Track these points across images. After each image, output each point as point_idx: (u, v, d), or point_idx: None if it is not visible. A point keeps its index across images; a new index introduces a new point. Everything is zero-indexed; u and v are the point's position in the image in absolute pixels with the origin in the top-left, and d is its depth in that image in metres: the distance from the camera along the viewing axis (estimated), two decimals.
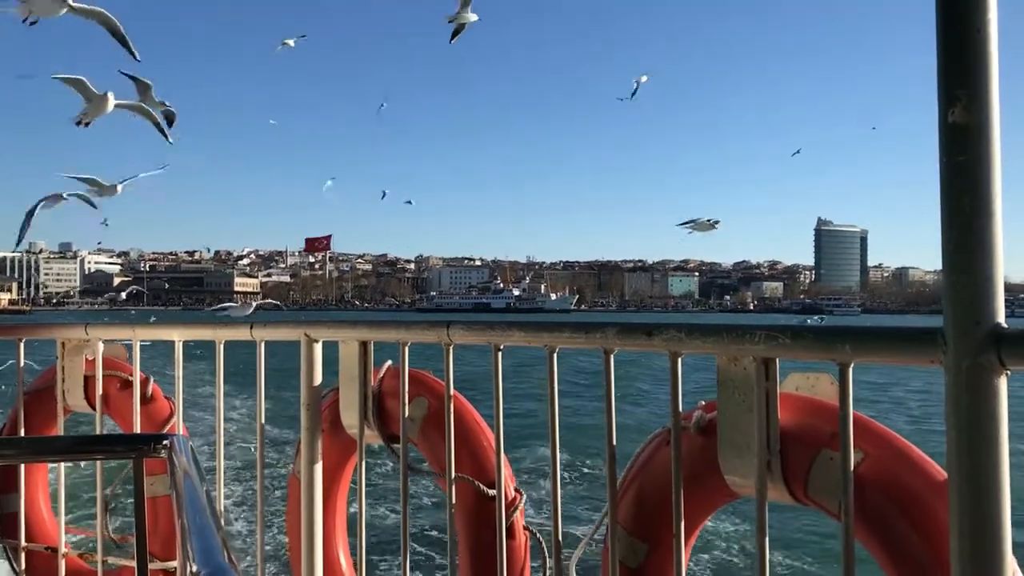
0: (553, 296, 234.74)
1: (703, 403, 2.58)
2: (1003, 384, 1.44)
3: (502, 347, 2.76)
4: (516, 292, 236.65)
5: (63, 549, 4.42)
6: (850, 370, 1.87)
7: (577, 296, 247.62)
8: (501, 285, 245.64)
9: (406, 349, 3.13)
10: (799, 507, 2.37)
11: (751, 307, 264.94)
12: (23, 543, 4.50)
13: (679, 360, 2.25)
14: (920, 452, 2.26)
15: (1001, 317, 1.43)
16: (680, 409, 2.31)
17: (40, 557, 4.60)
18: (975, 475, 1.42)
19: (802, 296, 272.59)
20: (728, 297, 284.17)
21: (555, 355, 2.57)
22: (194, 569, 1.13)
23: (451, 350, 2.91)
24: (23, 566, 4.56)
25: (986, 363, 1.42)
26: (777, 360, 2.15)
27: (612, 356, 2.42)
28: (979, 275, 1.41)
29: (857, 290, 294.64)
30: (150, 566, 3.55)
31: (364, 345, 3.46)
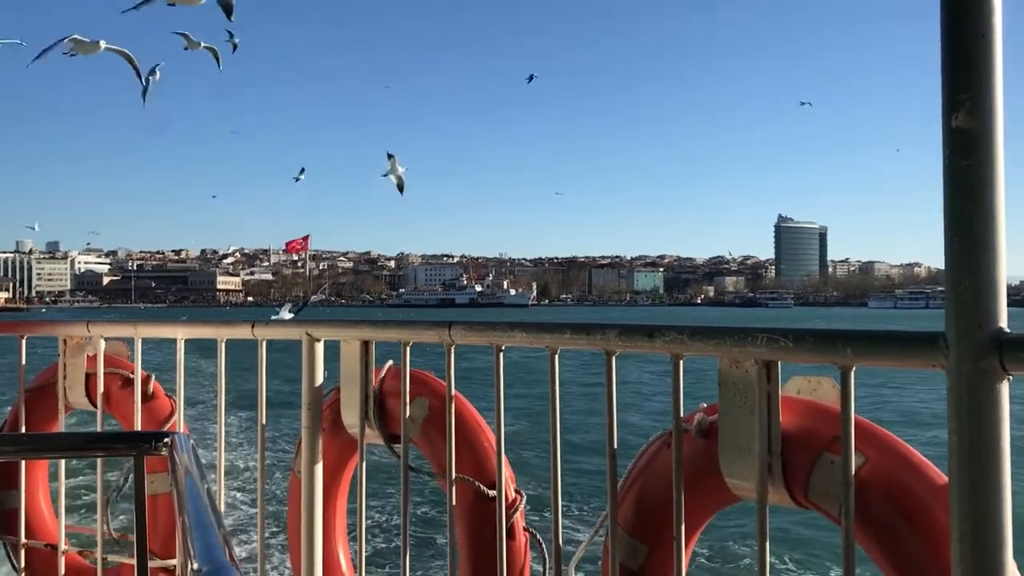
0: (513, 292, 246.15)
1: (704, 405, 2.58)
2: (1005, 388, 1.44)
3: (503, 347, 2.75)
4: (479, 288, 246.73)
5: (63, 546, 4.42)
6: (852, 373, 1.87)
7: (536, 291, 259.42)
8: (466, 281, 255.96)
9: (407, 349, 3.13)
10: (800, 510, 2.37)
11: (698, 300, 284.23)
12: (23, 540, 4.50)
13: (680, 362, 2.25)
14: (921, 456, 2.25)
15: (1003, 321, 1.43)
16: (681, 412, 2.31)
17: (40, 554, 4.60)
18: (976, 479, 1.42)
19: (746, 290, 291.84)
20: (689, 291, 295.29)
21: (556, 356, 2.57)
22: (195, 567, 1.13)
23: (452, 350, 2.91)
24: (23, 563, 4.56)
25: (988, 367, 1.42)
26: (779, 363, 2.15)
27: (614, 358, 2.42)
28: (981, 279, 1.41)
29: (815, 283, 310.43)
30: (150, 564, 3.55)
31: (366, 345, 3.46)
